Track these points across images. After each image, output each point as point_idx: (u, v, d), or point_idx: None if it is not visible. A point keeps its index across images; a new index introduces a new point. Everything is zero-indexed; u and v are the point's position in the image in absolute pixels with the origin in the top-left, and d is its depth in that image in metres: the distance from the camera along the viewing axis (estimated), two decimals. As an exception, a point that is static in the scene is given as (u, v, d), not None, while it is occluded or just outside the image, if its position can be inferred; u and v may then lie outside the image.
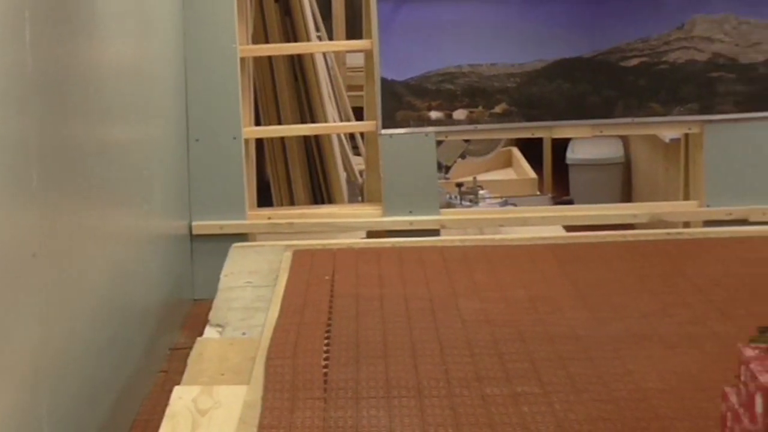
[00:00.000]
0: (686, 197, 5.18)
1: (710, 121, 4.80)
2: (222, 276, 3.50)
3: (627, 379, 2.56)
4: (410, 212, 4.80)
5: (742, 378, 1.84)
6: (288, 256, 3.69)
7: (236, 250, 3.80)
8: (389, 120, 4.79)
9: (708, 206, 4.81)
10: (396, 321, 3.02)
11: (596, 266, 3.56)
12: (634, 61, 4.80)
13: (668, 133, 5.80)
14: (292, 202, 5.55)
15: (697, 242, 3.89)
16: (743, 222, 4.69)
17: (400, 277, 3.47)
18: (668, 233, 4.03)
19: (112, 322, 3.35)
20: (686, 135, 5.17)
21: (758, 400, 1.75)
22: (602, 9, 4.76)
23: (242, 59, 4.84)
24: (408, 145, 4.80)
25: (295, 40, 5.44)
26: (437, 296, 3.25)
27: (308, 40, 5.47)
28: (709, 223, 4.73)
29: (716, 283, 3.34)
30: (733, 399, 1.90)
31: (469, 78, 4.81)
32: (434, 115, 4.81)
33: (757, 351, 1.85)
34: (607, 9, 4.76)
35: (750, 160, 4.79)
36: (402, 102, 4.80)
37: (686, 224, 4.92)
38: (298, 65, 5.51)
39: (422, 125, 4.80)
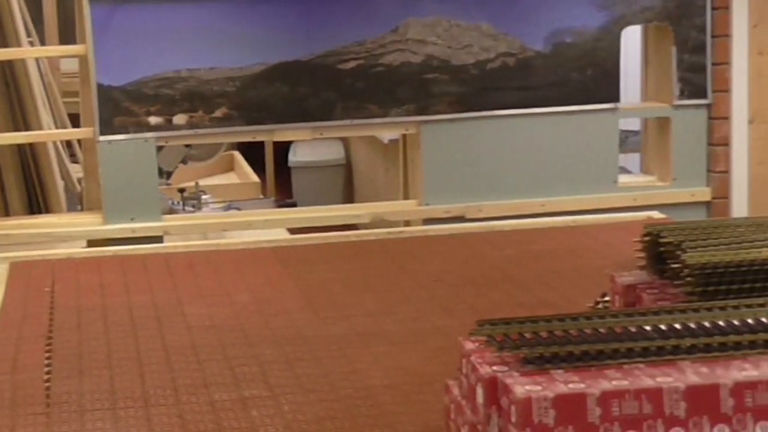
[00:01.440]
0: (406, 196, 5.29)
1: (426, 122, 4.92)
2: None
3: (353, 378, 2.59)
4: (132, 219, 4.71)
5: (464, 371, 1.89)
6: (4, 268, 3.56)
7: (-52, 264, 3.63)
8: (107, 126, 4.68)
9: (427, 204, 4.92)
10: (120, 330, 2.96)
11: (320, 267, 3.59)
12: (352, 64, 4.86)
13: (387, 134, 5.92)
14: (7, 213, 5.34)
15: (417, 240, 3.98)
16: (461, 219, 4.83)
17: (124, 286, 3.40)
18: (389, 232, 4.11)
19: None
20: (404, 135, 5.28)
21: (479, 391, 1.80)
22: (319, 13, 4.80)
23: (-52, 65, 4.63)
24: (127, 151, 4.70)
25: (5, 46, 5.24)
26: (162, 303, 3.20)
27: (18, 45, 5.29)
28: (428, 221, 4.84)
29: (437, 279, 3.42)
30: (456, 391, 1.95)
31: (188, 82, 4.76)
32: (153, 120, 4.73)
33: (477, 344, 1.91)
34: (324, 13, 4.81)
35: (465, 159, 4.94)
36: (120, 108, 4.70)
37: (407, 223, 5.03)
38: (9, 71, 5.31)
39: (141, 131, 4.72)
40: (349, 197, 7.61)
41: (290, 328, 2.96)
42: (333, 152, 7.63)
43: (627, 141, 6.26)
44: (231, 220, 4.99)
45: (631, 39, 5.79)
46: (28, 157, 5.36)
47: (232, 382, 2.57)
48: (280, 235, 4.86)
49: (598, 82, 5.05)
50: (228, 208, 5.76)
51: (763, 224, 2.46)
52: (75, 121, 5.68)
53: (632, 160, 6.12)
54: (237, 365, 2.68)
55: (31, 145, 5.32)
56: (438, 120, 4.92)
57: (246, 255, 3.73)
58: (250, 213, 5.09)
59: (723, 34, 5.07)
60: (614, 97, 5.09)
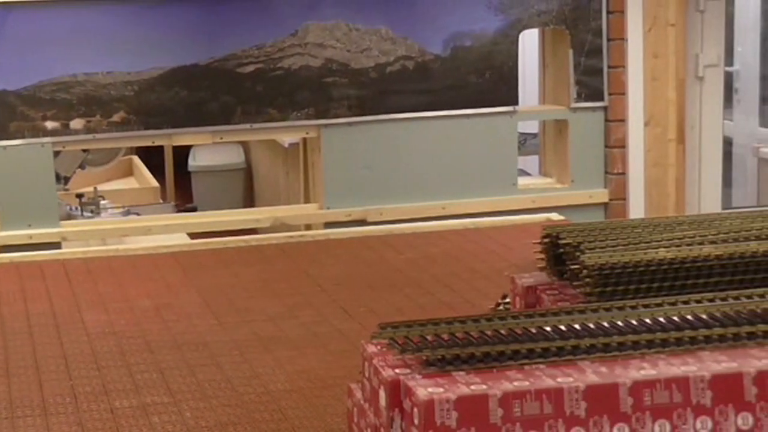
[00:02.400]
0: (307, 200, 5.28)
1: (326, 125, 4.91)
2: None
3: (255, 382, 2.58)
4: (29, 226, 4.63)
5: (366, 374, 1.89)
6: None
7: None
8: (3, 131, 4.60)
9: (328, 208, 4.92)
10: (17, 339, 2.91)
11: (221, 272, 3.57)
12: (251, 68, 4.84)
13: (287, 138, 5.90)
14: None
15: (318, 244, 3.98)
16: (362, 222, 4.84)
17: (21, 294, 3.34)
18: (290, 236, 4.10)
19: None
20: (304, 139, 5.27)
21: (381, 394, 1.80)
22: (217, 16, 4.77)
23: None
24: (23, 156, 4.62)
25: None
26: (61, 311, 3.15)
27: None
28: (329, 224, 4.84)
29: (338, 282, 3.42)
30: (358, 395, 1.95)
31: (85, 87, 4.70)
32: (50, 125, 4.66)
33: (379, 347, 1.91)
34: (222, 16, 4.78)
35: (365, 163, 4.94)
36: (15, 112, 4.62)
37: (308, 227, 5.02)
38: None
39: (38, 136, 4.64)
40: (249, 201, 7.57)
41: (191, 334, 2.93)
42: (233, 156, 7.59)
43: (526, 143, 6.34)
44: (130, 226, 4.94)
45: (529, 42, 5.85)
46: None
47: (133, 388, 2.54)
48: (181, 240, 4.82)
49: (497, 85, 5.09)
50: (127, 213, 5.69)
51: (660, 225, 2.50)
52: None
53: (531, 162, 6.19)
54: (137, 372, 2.65)
55: None
56: (338, 123, 4.92)
57: (146, 261, 3.69)
58: (149, 218, 5.04)
59: (618, 38, 5.15)
60: (513, 100, 5.14)
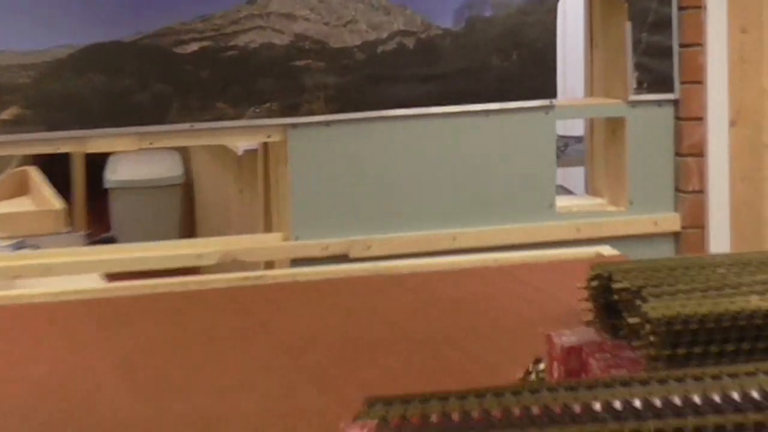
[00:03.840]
0: (268, 228, 5.27)
1: (296, 125, 4.91)
2: None
3: (195, 480, 2.56)
4: None
5: (346, 468, 1.87)
6: None
7: None
8: None
9: (297, 239, 4.91)
10: None
11: (148, 327, 3.55)
12: (193, 47, 4.84)
13: (241, 143, 5.90)
14: None
15: (283, 288, 3.97)
16: (342, 259, 4.83)
17: None
18: (246, 277, 4.09)
19: None
20: (265, 144, 5.27)
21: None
22: (146, -25, 4.78)
23: None
24: None
25: None
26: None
27: None
28: (298, 261, 4.83)
29: (309, 341, 3.41)
30: (335, 496, 1.93)
31: (-38, 71, 4.71)
32: None
33: (365, 430, 1.89)
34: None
35: (349, 177, 4.94)
36: None
37: (269, 264, 5.01)
38: None
39: None
40: (189, 230, 7.57)
41: (105, 412, 2.92)
42: (167, 168, 7.59)
43: (567, 150, 6.34)
44: (25, 263, 4.92)
45: (571, 12, 5.86)
46: None
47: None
48: (94, 283, 4.81)
49: (528, 71, 5.10)
50: (20, 246, 5.68)
51: (750, 263, 2.48)
52: None
53: (574, 176, 6.19)
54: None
55: None
56: (312, 123, 4.92)
57: (43, 311, 3.68)
58: (51, 252, 5.03)
59: (694, 6, 5.16)
60: (550, 90, 5.15)
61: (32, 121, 4.76)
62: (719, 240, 5.24)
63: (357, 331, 3.52)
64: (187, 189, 7.69)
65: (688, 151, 5.19)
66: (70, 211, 6.93)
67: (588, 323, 2.44)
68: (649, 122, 5.20)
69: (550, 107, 5.12)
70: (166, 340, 3.44)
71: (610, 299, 2.38)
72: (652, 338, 2.19)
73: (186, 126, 4.88)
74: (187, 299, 3.81)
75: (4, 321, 3.63)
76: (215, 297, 3.83)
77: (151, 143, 4.94)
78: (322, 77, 4.95)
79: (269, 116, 4.91)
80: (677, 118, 5.20)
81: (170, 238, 6.37)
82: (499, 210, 5.07)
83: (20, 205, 6.96)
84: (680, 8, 5.15)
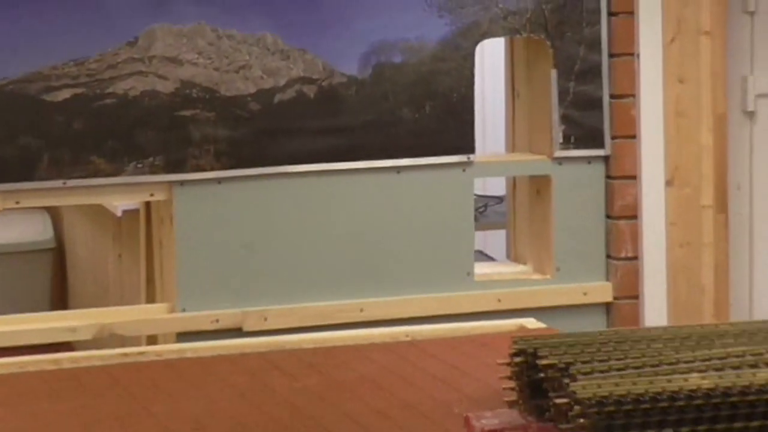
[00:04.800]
0: (150, 298, 5.25)
1: (182, 182, 4.90)
2: None
3: None
4: None
5: None
6: None
7: None
8: None
9: (183, 311, 4.89)
10: None
11: (16, 409, 3.52)
12: (66, 94, 4.82)
13: (120, 202, 5.88)
14: None
15: (168, 366, 3.95)
16: (235, 332, 4.81)
17: None
18: (125, 354, 4.07)
19: None
20: (147, 204, 5.25)
21: None
22: (12, 13, 4.75)
23: None
24: None
25: None
26: None
27: None
28: (185, 336, 4.81)
29: (198, 426, 3.40)
30: None
31: None
32: None
33: None
34: (22, 14, 4.75)
35: (240, 240, 4.93)
36: None
37: (152, 339, 4.98)
38: None
39: None
40: (61, 300, 7.52)
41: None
42: (35, 231, 7.54)
43: (487, 212, 6.38)
44: None
45: (491, 59, 5.90)
46: None
47: None
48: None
49: (443, 124, 5.12)
50: None
51: (690, 337, 2.51)
52: None
53: (495, 240, 6.22)
54: None
55: None
56: (200, 180, 4.92)
57: None
58: None
59: (626, 53, 5.21)
60: (467, 145, 5.17)
61: None
62: (655, 311, 5.27)
63: (251, 415, 3.51)
64: (58, 254, 7.64)
65: (621, 213, 5.23)
66: None
67: (511, 404, 2.45)
68: (577, 181, 5.22)
69: (468, 164, 5.14)
70: (36, 426, 3.41)
71: (535, 377, 2.40)
72: (581, 420, 2.21)
73: (57, 183, 4.85)
74: (59, 379, 3.78)
75: None
76: (91, 376, 3.80)
77: (17, 202, 4.90)
78: (211, 129, 4.94)
79: (152, 172, 4.89)
80: (608, 176, 5.24)
81: (40, 310, 6.32)
82: (411, 278, 5.08)
83: None
84: (611, 55, 5.19)
